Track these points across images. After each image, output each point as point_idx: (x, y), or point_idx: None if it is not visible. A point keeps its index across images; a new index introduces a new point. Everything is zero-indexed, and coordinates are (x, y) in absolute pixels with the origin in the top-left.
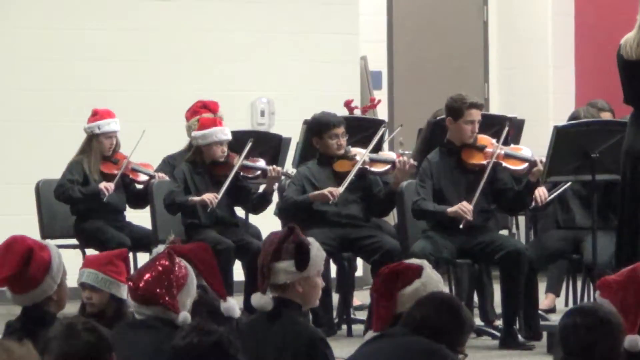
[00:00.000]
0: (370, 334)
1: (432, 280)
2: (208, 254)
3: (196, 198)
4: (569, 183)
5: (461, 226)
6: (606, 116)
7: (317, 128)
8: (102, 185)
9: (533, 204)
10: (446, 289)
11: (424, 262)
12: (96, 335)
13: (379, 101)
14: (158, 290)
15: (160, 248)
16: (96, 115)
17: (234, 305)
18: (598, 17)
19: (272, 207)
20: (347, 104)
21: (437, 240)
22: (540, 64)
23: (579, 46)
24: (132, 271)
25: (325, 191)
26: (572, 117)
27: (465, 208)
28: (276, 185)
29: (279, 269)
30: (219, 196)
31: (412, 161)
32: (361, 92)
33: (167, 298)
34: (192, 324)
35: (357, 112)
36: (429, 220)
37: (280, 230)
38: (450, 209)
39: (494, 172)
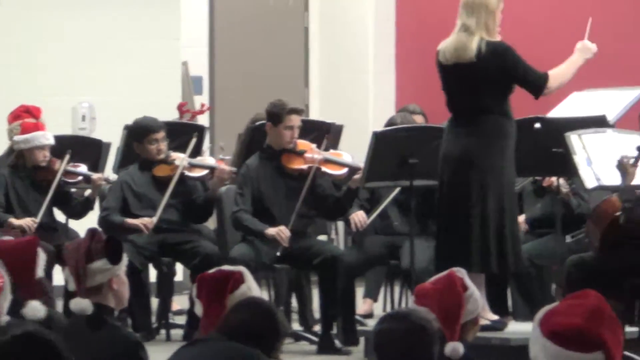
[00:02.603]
0: None
1: (254, 284)
2: (26, 252)
3: (15, 221)
4: (391, 197)
5: (278, 254)
6: (418, 119)
7: (138, 133)
8: None
9: (354, 229)
10: (265, 294)
11: (241, 267)
12: None
13: (209, 108)
14: None
15: None
16: None
17: (35, 306)
18: (419, 24)
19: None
20: (180, 107)
21: (256, 245)
22: (360, 69)
23: (399, 52)
24: None
25: (140, 224)
26: (388, 123)
27: (283, 234)
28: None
29: (94, 270)
30: (43, 209)
31: (230, 168)
32: (182, 98)
33: None
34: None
35: (187, 116)
36: (247, 235)
37: (78, 240)
38: (268, 231)
39: (314, 178)
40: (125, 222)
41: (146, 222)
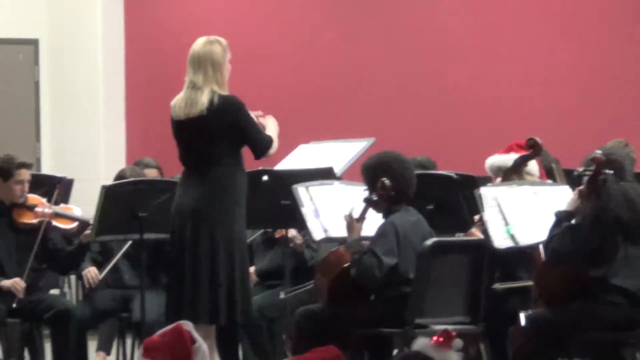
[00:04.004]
0: None
1: None
2: None
3: None
4: (122, 251)
5: (14, 305)
6: (152, 173)
7: None
8: None
9: (87, 285)
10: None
11: None
12: None
13: None
14: None
15: None
16: None
17: None
18: (148, 78)
19: None
20: None
21: None
22: (91, 123)
23: (129, 106)
24: None
25: None
26: (118, 177)
27: (18, 286)
28: None
29: None
30: None
31: None
32: None
33: None
34: None
35: None
36: None
37: None
38: (4, 283)
39: (45, 232)
40: None
41: None
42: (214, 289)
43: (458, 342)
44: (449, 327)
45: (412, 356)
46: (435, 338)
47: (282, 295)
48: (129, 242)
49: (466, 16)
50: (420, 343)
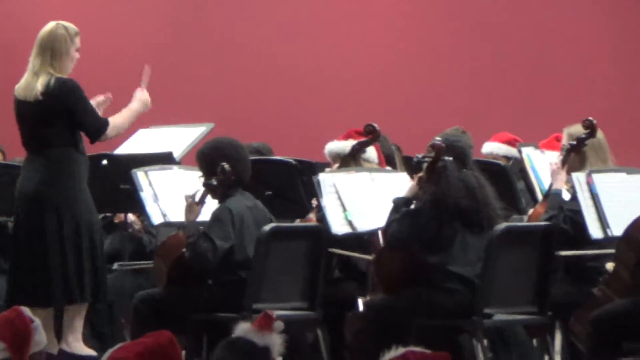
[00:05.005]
0: None
1: None
2: None
3: None
4: None
5: None
6: None
7: None
8: None
9: None
10: None
11: None
12: None
13: None
14: None
15: None
16: None
17: None
18: None
19: None
20: None
21: None
22: None
23: None
24: None
25: None
26: None
27: None
28: None
29: None
30: None
31: None
32: None
33: None
34: None
35: None
36: None
37: None
38: None
39: None
40: None
41: None
42: (65, 271)
43: (279, 325)
44: (285, 312)
45: (233, 342)
46: (256, 322)
47: (115, 266)
48: None
49: (309, 4)
50: (241, 328)
